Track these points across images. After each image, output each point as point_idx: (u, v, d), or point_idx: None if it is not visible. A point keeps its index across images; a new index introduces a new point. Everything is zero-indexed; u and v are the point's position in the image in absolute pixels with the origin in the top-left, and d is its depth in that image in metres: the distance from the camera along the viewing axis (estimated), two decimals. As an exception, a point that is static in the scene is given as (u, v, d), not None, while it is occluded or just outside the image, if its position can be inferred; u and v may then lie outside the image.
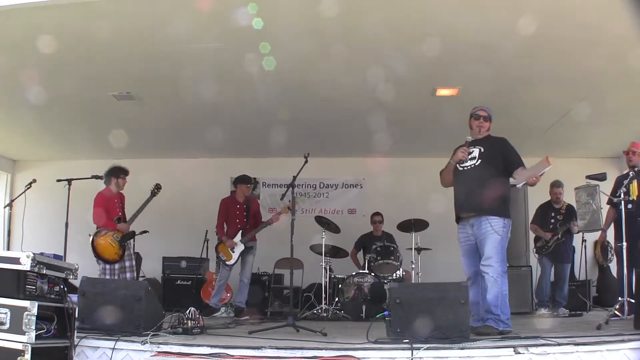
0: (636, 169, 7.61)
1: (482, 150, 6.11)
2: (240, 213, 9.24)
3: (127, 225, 8.15)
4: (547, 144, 10.98)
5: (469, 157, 6.14)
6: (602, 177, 7.73)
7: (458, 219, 6.18)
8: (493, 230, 5.77)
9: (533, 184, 5.90)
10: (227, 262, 9.07)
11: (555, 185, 9.44)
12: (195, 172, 11.96)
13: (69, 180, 8.31)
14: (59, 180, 8.34)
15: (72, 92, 8.55)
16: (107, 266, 8.01)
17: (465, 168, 6.14)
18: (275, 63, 7.24)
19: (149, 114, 9.74)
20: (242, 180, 9.40)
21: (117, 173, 8.31)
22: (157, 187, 8.38)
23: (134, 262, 8.36)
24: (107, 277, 7.96)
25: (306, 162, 6.90)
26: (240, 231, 9.08)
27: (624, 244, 7.07)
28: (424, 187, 11.19)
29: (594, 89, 8.34)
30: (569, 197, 9.21)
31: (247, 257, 9.12)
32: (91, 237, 8.00)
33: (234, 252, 9.03)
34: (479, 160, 6.07)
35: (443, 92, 8.72)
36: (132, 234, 8.29)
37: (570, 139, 10.92)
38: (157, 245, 10.77)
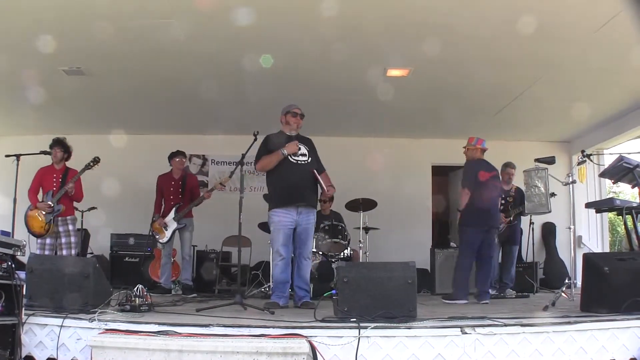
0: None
1: (308, 149, 6.95)
2: (175, 190, 9.21)
3: (45, 204, 8.05)
4: (497, 126, 11.15)
5: (300, 152, 6.92)
6: (551, 160, 7.86)
7: (284, 204, 6.82)
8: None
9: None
10: (160, 240, 9.15)
11: (509, 165, 9.68)
12: (144, 148, 11.81)
13: (17, 156, 8.21)
14: (7, 156, 8.21)
15: (17, 66, 8.38)
16: (39, 241, 7.99)
17: (299, 162, 6.90)
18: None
19: (98, 89, 9.58)
20: (172, 155, 9.37)
21: (51, 146, 8.30)
22: (95, 160, 8.24)
23: (72, 239, 8.24)
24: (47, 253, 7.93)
25: (255, 140, 6.94)
26: (174, 208, 9.08)
27: (572, 227, 7.34)
28: (369, 167, 11.37)
29: (545, 72, 8.53)
30: (517, 180, 9.36)
31: (183, 235, 9.12)
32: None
33: (166, 229, 9.05)
34: (310, 158, 6.97)
35: (394, 72, 8.79)
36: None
37: (519, 122, 11.13)
38: (105, 221, 10.66)
